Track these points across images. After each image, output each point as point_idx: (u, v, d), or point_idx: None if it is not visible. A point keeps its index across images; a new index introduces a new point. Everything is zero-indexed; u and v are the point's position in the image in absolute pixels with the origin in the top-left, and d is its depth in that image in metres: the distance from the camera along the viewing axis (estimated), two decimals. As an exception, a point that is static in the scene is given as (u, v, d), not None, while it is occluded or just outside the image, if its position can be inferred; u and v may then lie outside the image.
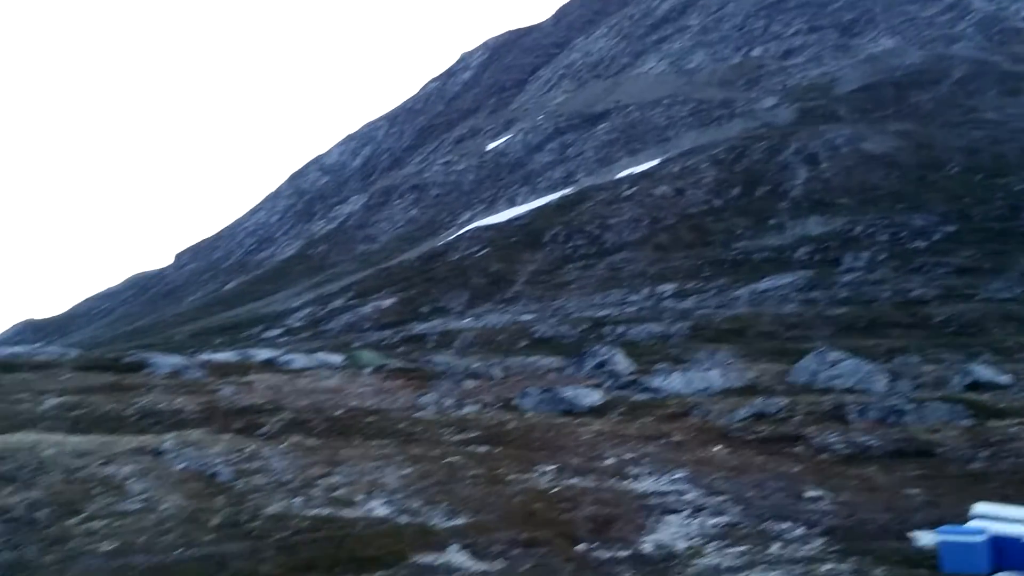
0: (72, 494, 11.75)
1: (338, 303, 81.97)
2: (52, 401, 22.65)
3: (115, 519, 11.04)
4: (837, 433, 16.29)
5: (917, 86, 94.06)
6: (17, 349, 41.87)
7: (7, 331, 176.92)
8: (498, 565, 9.74)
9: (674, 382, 24.31)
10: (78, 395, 24.43)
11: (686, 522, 11.46)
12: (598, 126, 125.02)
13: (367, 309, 74.70)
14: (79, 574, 9.24)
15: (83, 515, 11.06)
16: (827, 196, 74.21)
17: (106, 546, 10.23)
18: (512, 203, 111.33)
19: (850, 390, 23.27)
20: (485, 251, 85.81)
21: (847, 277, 56.52)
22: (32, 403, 22.51)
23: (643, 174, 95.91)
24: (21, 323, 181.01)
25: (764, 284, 58.35)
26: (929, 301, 47.89)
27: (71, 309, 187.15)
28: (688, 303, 57.59)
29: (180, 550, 10.32)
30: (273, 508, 11.50)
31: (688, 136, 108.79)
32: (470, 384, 27.06)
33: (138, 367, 34.47)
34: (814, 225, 69.43)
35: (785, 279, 58.24)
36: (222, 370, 34.66)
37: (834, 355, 25.37)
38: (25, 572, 9.62)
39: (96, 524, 10.76)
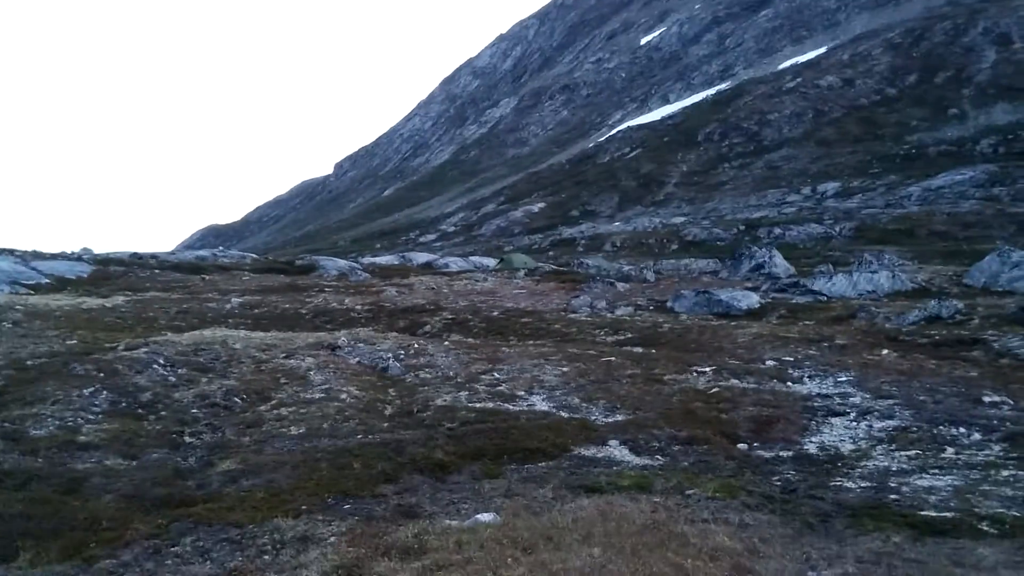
0: (262, 383, 12.78)
1: (490, 208, 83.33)
2: (236, 300, 24.53)
3: (301, 406, 11.95)
4: (1021, 337, 15.27)
5: None
6: (202, 252, 45.29)
7: (192, 236, 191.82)
8: (659, 460, 9.88)
9: (838, 285, 23.36)
10: (258, 295, 26.36)
11: (852, 424, 11.17)
12: (760, 13, 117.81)
13: (518, 214, 75.50)
14: (274, 454, 10.05)
15: (272, 402, 12.02)
16: (1019, 80, 67.42)
17: (295, 430, 11.13)
18: (665, 100, 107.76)
19: (1036, 292, 21.64)
20: (636, 152, 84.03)
21: (1036, 170, 51.77)
22: (219, 302, 24.49)
23: (808, 64, 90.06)
24: (204, 228, 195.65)
25: (939, 180, 54.36)
26: None
27: (246, 215, 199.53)
28: (853, 202, 54.63)
29: (360, 436, 11.17)
30: (441, 400, 12.10)
31: (860, 19, 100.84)
32: (622, 287, 27.12)
33: (309, 269, 36.72)
34: (1001, 113, 63.43)
35: (963, 174, 53.85)
36: (384, 272, 36.53)
37: (1018, 255, 23.54)
38: (225, 451, 10.55)
39: (285, 411, 11.66)
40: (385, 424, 11.47)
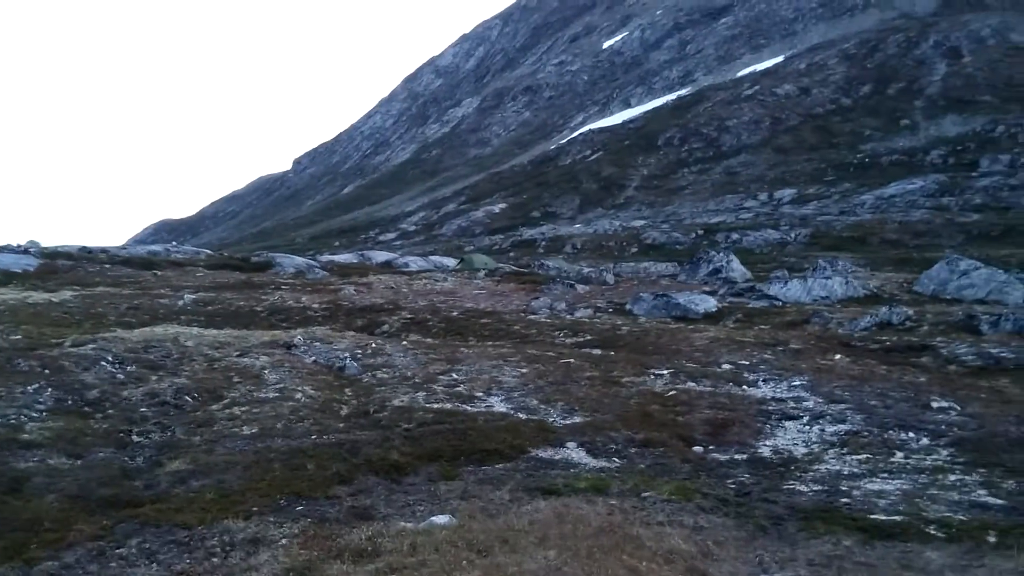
0: (214, 382, 12.50)
1: (451, 207, 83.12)
2: (189, 297, 24.09)
3: (254, 405, 11.72)
4: (967, 344, 15.59)
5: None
6: (155, 247, 44.41)
7: (144, 230, 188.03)
8: (616, 462, 9.88)
9: (793, 290, 23.68)
10: (212, 291, 25.92)
11: (805, 428, 11.28)
12: (720, 20, 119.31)
13: (479, 214, 75.54)
14: (225, 454, 9.84)
15: (225, 401, 11.78)
16: (967, 93, 69.12)
17: (247, 430, 10.89)
18: (627, 104, 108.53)
19: (982, 301, 22.16)
20: (598, 155, 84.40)
21: (983, 182, 53.07)
22: (171, 298, 24.02)
23: (766, 72, 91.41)
24: (156, 223, 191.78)
25: (891, 189, 55.59)
26: (1076, 208, 44.67)
27: (201, 210, 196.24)
28: (808, 209, 55.59)
29: (315, 436, 10.97)
30: (398, 401, 11.96)
31: (817, 29, 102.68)
32: (582, 289, 27.19)
33: (265, 267, 36.20)
34: (951, 125, 64.98)
35: (915, 183, 55.17)
36: (343, 271, 36.17)
37: (965, 264, 24.10)
38: (174, 451, 10.31)
39: (237, 410, 11.44)
40: (341, 424, 11.30)
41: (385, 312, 21.33)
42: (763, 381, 13.17)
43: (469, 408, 11.80)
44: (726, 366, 14.09)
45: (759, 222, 52.83)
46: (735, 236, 48.80)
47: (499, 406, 11.99)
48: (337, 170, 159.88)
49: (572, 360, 14.08)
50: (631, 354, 15.10)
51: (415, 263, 42.35)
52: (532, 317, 20.78)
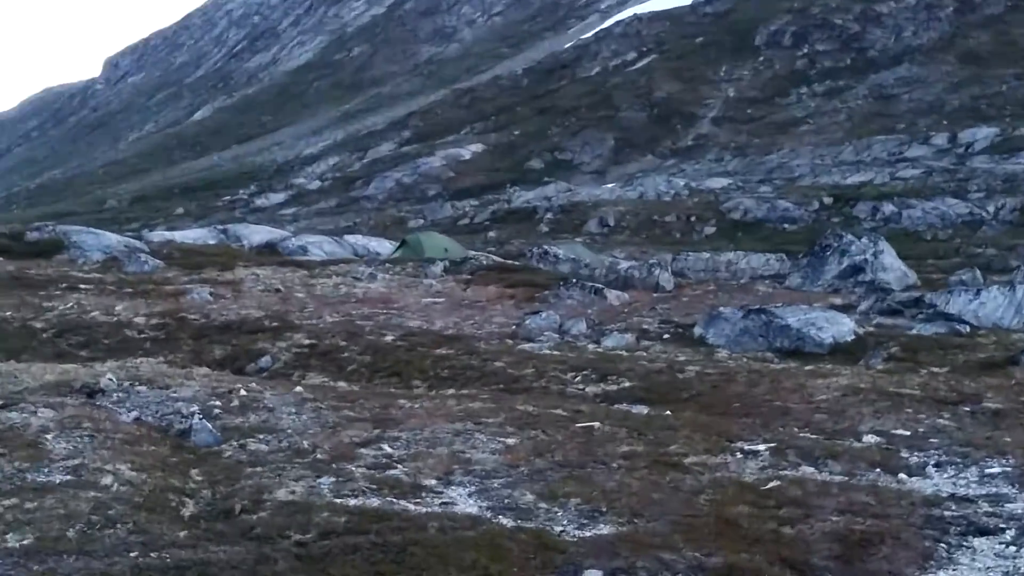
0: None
1: (385, 149, 56.12)
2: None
3: (28, 497, 7.41)
4: None
5: None
6: None
7: None
8: (677, 618, 5.89)
9: (990, 305, 17.47)
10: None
11: (1011, 552, 7.36)
12: None
13: (434, 162, 50.67)
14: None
15: (-32, 491, 7.51)
16: None
17: (13, 541, 6.87)
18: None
19: None
20: (647, 60, 56.56)
21: None
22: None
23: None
24: None
25: None
26: None
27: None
28: (1020, 163, 37.20)
29: (136, 553, 7.02)
30: (286, 492, 7.88)
31: None
32: (616, 298, 20.56)
33: (51, 250, 25.79)
34: None
35: None
36: (190, 259, 25.49)
37: None
38: None
39: (-6, 506, 7.19)
40: (182, 533, 7.30)
41: (265, 334, 15.73)
42: (935, 466, 9.11)
43: (412, 507, 7.78)
44: (870, 438, 10.00)
45: (932, 185, 35.82)
46: (888, 209, 33.51)
47: (466, 504, 7.98)
48: (182, 80, 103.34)
49: (597, 424, 10.03)
50: (702, 415, 11.06)
51: (320, 247, 29.46)
52: (527, 347, 15.30)
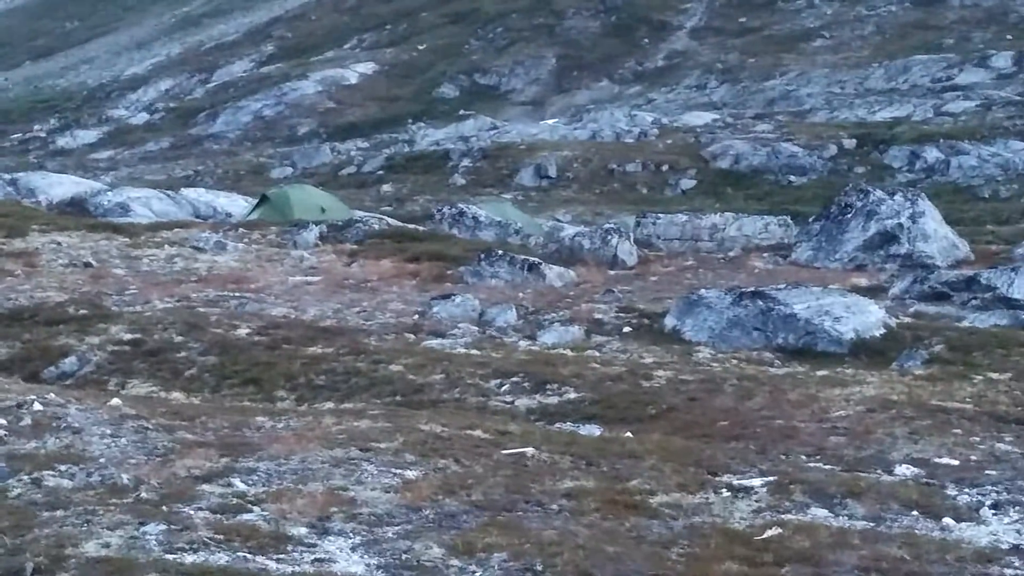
0: None
1: (238, 69, 44.85)
2: None
3: None
4: None
5: None
6: None
7: None
8: None
9: None
10: None
11: None
12: None
13: (307, 87, 40.01)
14: None
15: None
16: None
17: None
18: None
19: None
20: None
21: None
22: None
23: None
24: None
25: None
26: None
27: None
28: None
29: None
30: (96, 545, 6.07)
31: None
32: (558, 277, 17.88)
33: None
34: None
35: None
36: None
37: None
38: None
39: None
40: None
41: (70, 326, 13.04)
42: (992, 508, 7.24)
43: (274, 565, 5.96)
44: (904, 470, 7.96)
45: (991, 123, 28.43)
46: (932, 155, 26.97)
47: (348, 560, 6.13)
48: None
49: (531, 451, 8.14)
50: (675, 438, 9.00)
51: (147, 205, 24.30)
52: (435, 344, 12.74)
